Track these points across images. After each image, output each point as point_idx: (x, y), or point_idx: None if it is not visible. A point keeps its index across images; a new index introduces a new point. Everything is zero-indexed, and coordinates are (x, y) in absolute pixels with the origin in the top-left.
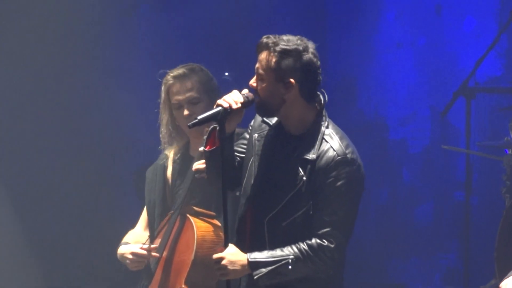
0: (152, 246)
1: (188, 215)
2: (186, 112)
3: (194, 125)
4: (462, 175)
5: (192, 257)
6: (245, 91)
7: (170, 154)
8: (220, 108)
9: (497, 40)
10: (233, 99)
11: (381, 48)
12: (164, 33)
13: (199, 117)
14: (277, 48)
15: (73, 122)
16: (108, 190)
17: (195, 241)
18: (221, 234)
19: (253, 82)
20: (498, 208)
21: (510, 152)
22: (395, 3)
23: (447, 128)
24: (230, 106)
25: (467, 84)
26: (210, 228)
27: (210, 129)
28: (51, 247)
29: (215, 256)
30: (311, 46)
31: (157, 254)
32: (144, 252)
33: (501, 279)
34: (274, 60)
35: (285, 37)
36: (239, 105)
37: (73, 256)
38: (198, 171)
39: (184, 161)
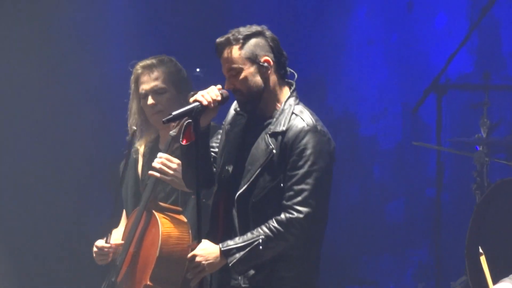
0: (116, 243)
1: (153, 211)
2: (150, 101)
3: (169, 121)
4: (433, 171)
5: (157, 253)
6: (219, 87)
7: (141, 148)
8: (197, 104)
9: (468, 37)
10: (211, 95)
11: (351, 44)
12: (140, 29)
13: (173, 113)
14: (238, 37)
15: (56, 121)
16: (92, 187)
17: (160, 238)
18: (187, 230)
19: (228, 85)
20: (469, 205)
21: (480, 148)
22: None
23: (418, 125)
24: (209, 103)
25: (438, 80)
26: (176, 224)
27: (185, 123)
28: (33, 250)
29: (189, 255)
30: (264, 27)
31: (109, 245)
32: (106, 245)
33: (471, 276)
34: (241, 48)
35: (240, 28)
36: (216, 104)
37: (57, 259)
38: (156, 170)
39: (153, 154)
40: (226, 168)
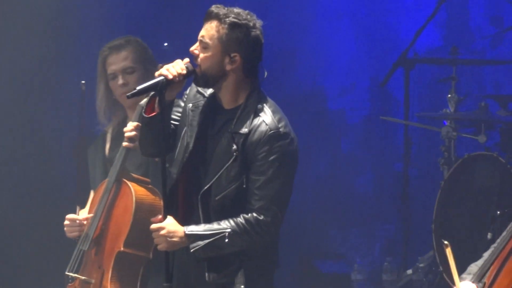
0: (87, 216)
1: (124, 180)
2: (120, 81)
3: (133, 95)
4: (401, 146)
5: (131, 219)
6: (186, 60)
7: (109, 130)
8: (161, 78)
9: (437, 11)
10: (176, 69)
11: (321, 18)
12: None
13: (138, 88)
14: (228, 20)
15: (21, 106)
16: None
17: (134, 203)
18: (158, 198)
19: (194, 48)
20: (436, 180)
21: (448, 123)
22: None
23: (386, 99)
24: (174, 77)
25: (406, 55)
26: (147, 192)
27: (150, 95)
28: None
29: (154, 226)
30: (258, 23)
31: (88, 217)
32: (77, 216)
33: (438, 251)
34: (223, 31)
35: (235, 10)
36: (181, 78)
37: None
38: (128, 139)
39: (121, 135)
40: (184, 153)
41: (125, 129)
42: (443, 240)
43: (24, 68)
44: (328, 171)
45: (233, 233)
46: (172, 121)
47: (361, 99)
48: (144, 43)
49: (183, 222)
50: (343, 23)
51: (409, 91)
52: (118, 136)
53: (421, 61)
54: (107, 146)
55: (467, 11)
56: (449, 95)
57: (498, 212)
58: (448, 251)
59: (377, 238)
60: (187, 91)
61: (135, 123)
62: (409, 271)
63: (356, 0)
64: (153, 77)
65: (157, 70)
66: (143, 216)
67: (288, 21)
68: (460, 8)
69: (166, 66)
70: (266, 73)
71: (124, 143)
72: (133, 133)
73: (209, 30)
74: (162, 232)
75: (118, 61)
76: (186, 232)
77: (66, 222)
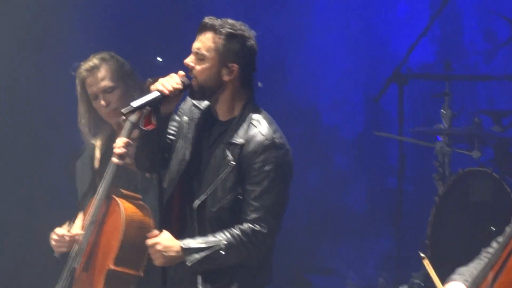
0: (77, 232)
1: (114, 196)
2: (102, 102)
3: (129, 112)
4: (395, 161)
5: (121, 237)
6: (181, 73)
7: (98, 143)
8: (157, 94)
9: (430, 26)
10: (171, 84)
11: (313, 31)
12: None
13: (134, 105)
14: (224, 31)
15: (13, 117)
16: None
17: (124, 221)
18: (148, 215)
19: (190, 61)
20: (430, 195)
21: (442, 139)
22: None
23: (380, 114)
24: (170, 92)
25: (400, 70)
26: (137, 209)
27: (146, 110)
28: None
29: (150, 241)
30: (252, 33)
31: (78, 234)
32: (67, 233)
33: (432, 267)
34: (219, 42)
35: (229, 21)
36: (177, 92)
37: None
38: (118, 155)
39: (110, 149)
40: (180, 165)
41: (114, 145)
42: (419, 252)
43: (9, 79)
44: (321, 186)
45: (230, 245)
46: (168, 135)
47: (354, 114)
48: (120, 58)
49: (178, 235)
50: (336, 38)
51: (402, 106)
52: (107, 151)
53: (414, 76)
54: (96, 160)
55: (461, 26)
56: (443, 111)
57: (494, 229)
58: (426, 262)
59: (371, 254)
60: (182, 105)
61: (125, 140)
62: (404, 287)
63: (348, 15)
64: (135, 91)
65: (143, 84)
66: (133, 233)
67: (280, 35)
68: (453, 23)
69: (161, 80)
70: (260, 83)
71: (114, 159)
72: (123, 150)
73: (205, 42)
74: (158, 247)
75: (96, 82)
76: (183, 246)
77: (55, 237)
